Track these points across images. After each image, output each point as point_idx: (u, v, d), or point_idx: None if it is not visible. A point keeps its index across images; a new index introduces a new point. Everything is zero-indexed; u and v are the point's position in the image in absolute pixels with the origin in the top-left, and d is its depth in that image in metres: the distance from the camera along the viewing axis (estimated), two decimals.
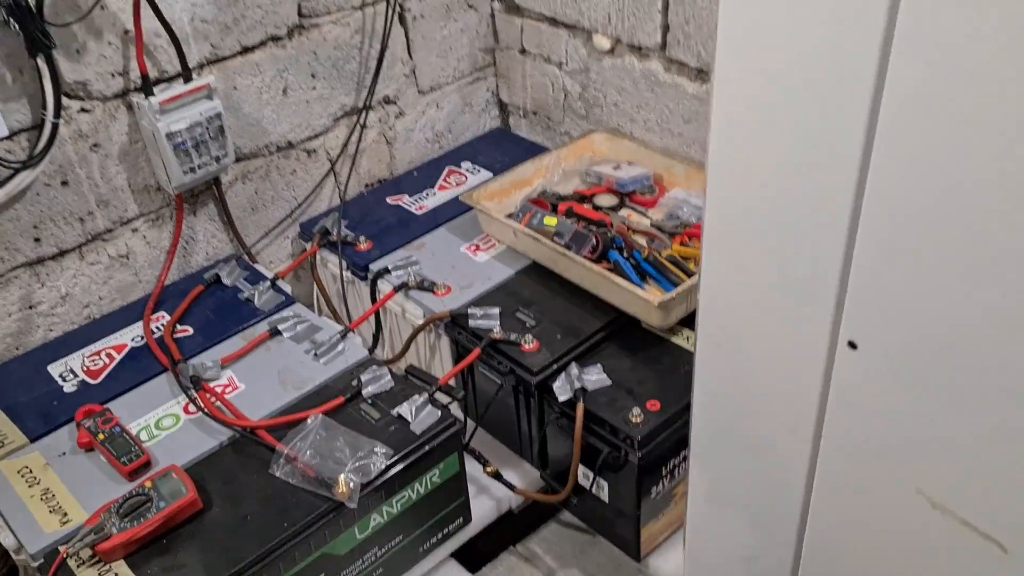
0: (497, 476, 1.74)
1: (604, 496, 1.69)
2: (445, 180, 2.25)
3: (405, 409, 1.55)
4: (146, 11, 1.66)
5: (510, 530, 1.84)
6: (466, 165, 2.31)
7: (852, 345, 0.75)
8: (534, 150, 2.29)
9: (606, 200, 2.02)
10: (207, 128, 1.78)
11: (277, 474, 1.45)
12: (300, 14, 1.97)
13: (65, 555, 1.33)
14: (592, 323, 1.75)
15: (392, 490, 1.49)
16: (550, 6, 2.18)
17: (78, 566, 1.34)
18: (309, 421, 1.50)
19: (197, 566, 1.33)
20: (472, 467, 1.74)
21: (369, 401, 1.58)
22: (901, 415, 0.75)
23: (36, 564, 1.36)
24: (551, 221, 1.90)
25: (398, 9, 2.14)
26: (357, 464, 1.42)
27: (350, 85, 2.12)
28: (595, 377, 1.65)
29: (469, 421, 1.80)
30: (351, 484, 1.40)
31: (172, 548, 1.36)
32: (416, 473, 1.52)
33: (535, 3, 2.21)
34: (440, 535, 1.65)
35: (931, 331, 0.70)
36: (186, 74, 1.76)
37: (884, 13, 0.63)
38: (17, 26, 1.49)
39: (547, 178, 2.10)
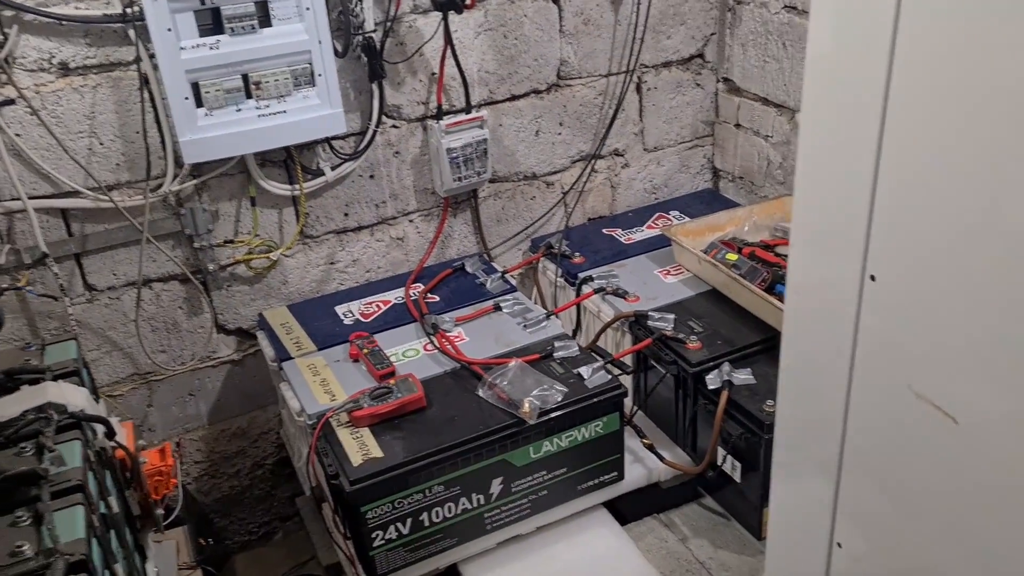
0: (651, 448, 2.11)
1: (736, 476, 2.00)
2: (654, 222, 2.70)
3: (584, 370, 1.99)
4: (448, 60, 2.29)
5: (656, 500, 2.18)
6: (674, 213, 2.74)
7: (872, 278, 1.10)
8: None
9: (786, 250, 2.36)
10: (475, 149, 2.37)
11: (480, 394, 1.93)
12: (559, 76, 2.53)
13: (331, 416, 1.89)
14: (750, 337, 2.10)
15: (563, 425, 1.92)
16: (764, 88, 2.59)
17: (337, 426, 1.89)
18: (511, 364, 1.98)
19: (415, 440, 1.83)
20: (633, 443, 2.13)
21: (558, 361, 2.04)
22: (902, 328, 1.08)
23: (311, 423, 1.93)
24: (732, 257, 2.28)
25: (636, 80, 2.66)
26: (540, 394, 1.88)
27: (588, 136, 2.65)
28: (743, 376, 2.00)
29: (636, 407, 2.20)
30: (532, 406, 1.85)
31: (400, 427, 1.87)
32: (583, 417, 1.94)
33: (752, 85, 2.64)
34: (597, 480, 2.04)
35: (927, 265, 1.04)
36: (468, 108, 2.37)
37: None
38: (366, 60, 2.17)
39: (738, 227, 2.49)
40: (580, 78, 2.57)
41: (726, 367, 2.01)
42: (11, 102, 1.91)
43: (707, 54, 2.73)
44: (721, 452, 2.03)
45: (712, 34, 2.71)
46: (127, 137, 2.06)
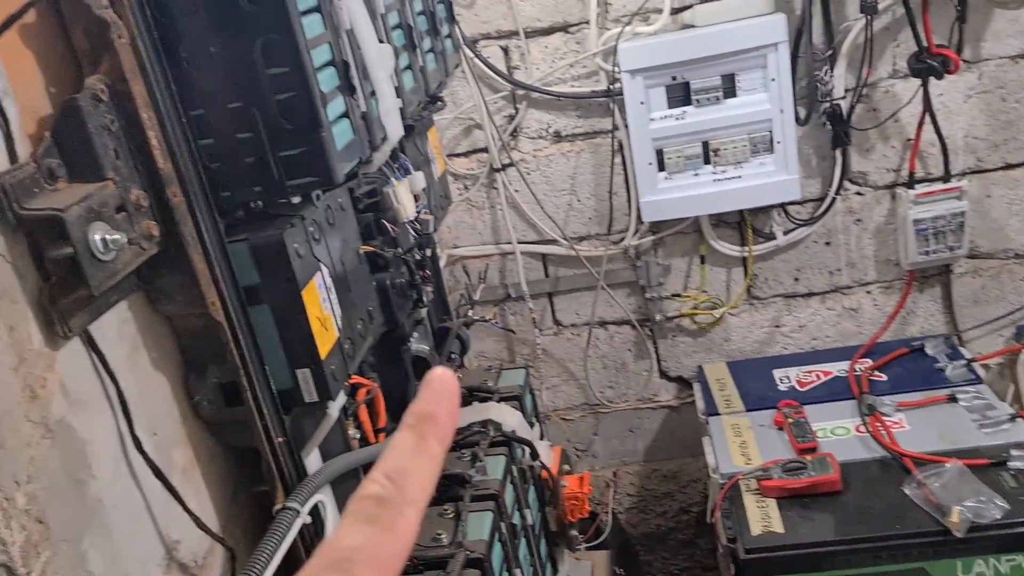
0: None
1: None
2: None
3: None
4: (927, 125, 2.13)
5: None
6: None
7: None
8: None
9: None
10: (949, 222, 2.16)
11: (906, 491, 1.76)
12: None
13: (740, 479, 1.90)
14: None
15: (1004, 547, 1.65)
16: None
17: (746, 491, 1.89)
18: (948, 464, 1.76)
19: (821, 524, 1.75)
20: None
21: (1012, 472, 1.76)
22: None
23: (721, 481, 1.97)
24: None
25: None
26: (975, 505, 1.65)
27: None
28: None
29: None
30: (963, 517, 1.63)
31: (809, 506, 1.81)
32: None
33: None
34: None
35: None
36: (946, 177, 2.17)
37: None
38: (830, 127, 2.13)
39: None
40: None
41: None
42: (512, 164, 2.31)
43: None
44: None
45: None
46: (599, 196, 2.34)
